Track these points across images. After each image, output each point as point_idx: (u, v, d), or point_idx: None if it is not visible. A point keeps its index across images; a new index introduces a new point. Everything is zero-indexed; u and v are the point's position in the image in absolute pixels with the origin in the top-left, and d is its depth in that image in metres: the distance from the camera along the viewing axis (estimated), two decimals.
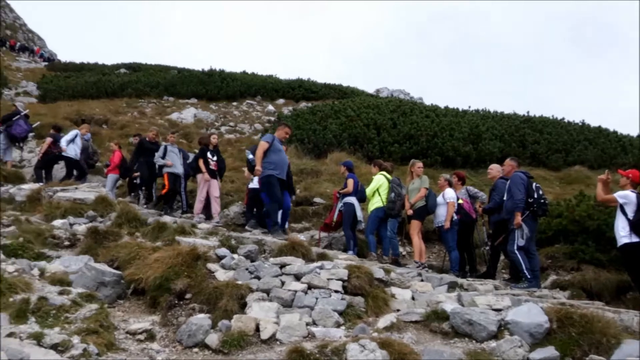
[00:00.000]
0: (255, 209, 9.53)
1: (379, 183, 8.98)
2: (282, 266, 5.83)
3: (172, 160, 10.48)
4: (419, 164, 9.04)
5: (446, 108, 21.87)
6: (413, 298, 5.65)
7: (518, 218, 7.10)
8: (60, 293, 5.08)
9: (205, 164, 10.02)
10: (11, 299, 4.68)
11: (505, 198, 7.62)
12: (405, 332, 4.78)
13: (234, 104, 26.36)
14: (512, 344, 4.23)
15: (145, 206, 10.84)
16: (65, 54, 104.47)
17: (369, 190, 9.07)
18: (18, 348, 3.72)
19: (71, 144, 11.81)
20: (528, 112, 20.97)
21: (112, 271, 5.66)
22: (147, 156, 11.00)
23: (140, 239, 6.88)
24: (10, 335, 3.98)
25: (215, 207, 9.92)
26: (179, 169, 10.62)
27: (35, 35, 77.37)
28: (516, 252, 7.13)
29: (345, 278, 5.50)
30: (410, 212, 8.56)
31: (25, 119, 12.71)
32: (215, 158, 10.30)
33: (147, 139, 11.67)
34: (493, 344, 4.39)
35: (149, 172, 11.07)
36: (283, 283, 5.46)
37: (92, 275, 5.51)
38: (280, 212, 8.49)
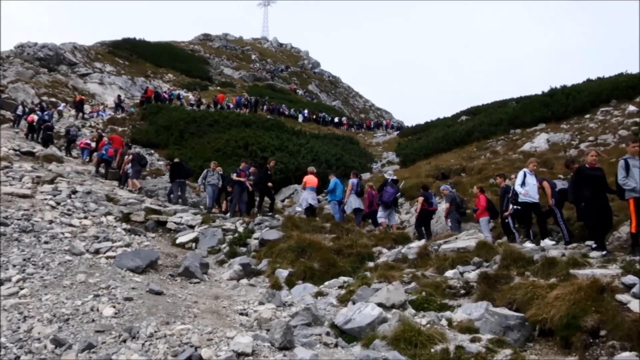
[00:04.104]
0: None
1: None
2: None
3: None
4: None
5: None
6: None
7: None
8: (472, 340, 5.34)
9: None
10: (432, 350, 5.12)
11: None
12: None
13: (587, 116, 24.11)
14: None
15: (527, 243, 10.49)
16: (410, 119, 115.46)
17: None
18: None
19: (521, 187, 10.58)
20: None
21: (515, 314, 5.66)
22: (590, 187, 8.79)
23: (532, 278, 6.73)
24: None
25: None
26: None
27: (382, 111, 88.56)
28: None
29: None
30: None
31: (393, 184, 14.24)
32: None
33: (586, 165, 9.16)
34: None
35: (601, 205, 8.77)
36: None
37: (496, 320, 5.63)
38: None
